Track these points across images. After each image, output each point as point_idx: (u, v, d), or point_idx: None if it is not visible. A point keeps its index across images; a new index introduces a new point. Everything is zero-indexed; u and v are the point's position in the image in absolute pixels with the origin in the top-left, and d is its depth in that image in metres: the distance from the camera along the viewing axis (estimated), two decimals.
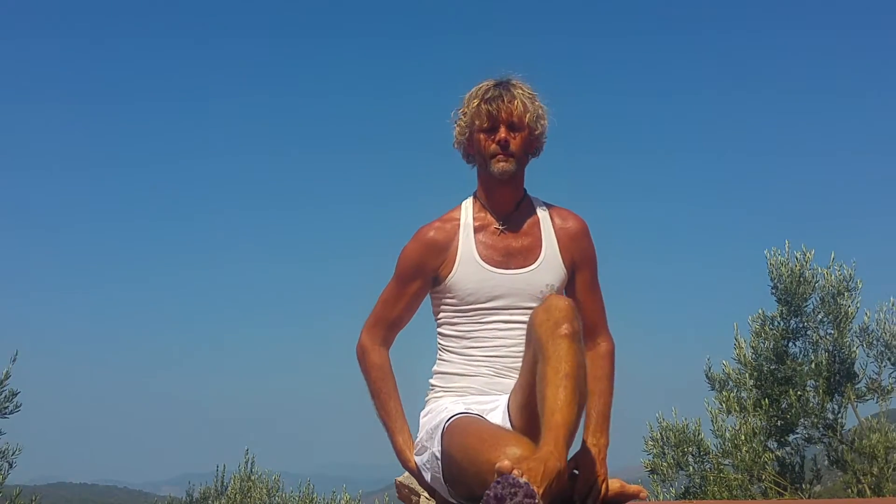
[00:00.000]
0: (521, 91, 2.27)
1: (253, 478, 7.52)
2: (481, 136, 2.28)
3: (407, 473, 2.57)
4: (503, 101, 2.23)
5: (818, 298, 6.35)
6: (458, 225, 2.34)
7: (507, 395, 2.22)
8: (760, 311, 6.57)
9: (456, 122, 2.34)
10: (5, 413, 6.39)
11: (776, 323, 6.46)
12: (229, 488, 7.66)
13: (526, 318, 2.21)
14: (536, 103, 2.28)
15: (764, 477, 6.05)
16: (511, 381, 2.24)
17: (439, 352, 2.38)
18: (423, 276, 2.32)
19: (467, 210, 2.37)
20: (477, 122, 2.26)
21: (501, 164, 2.26)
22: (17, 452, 6.42)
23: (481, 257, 2.29)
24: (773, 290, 6.51)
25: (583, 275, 2.35)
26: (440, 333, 2.37)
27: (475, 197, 2.39)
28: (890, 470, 5.75)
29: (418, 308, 2.38)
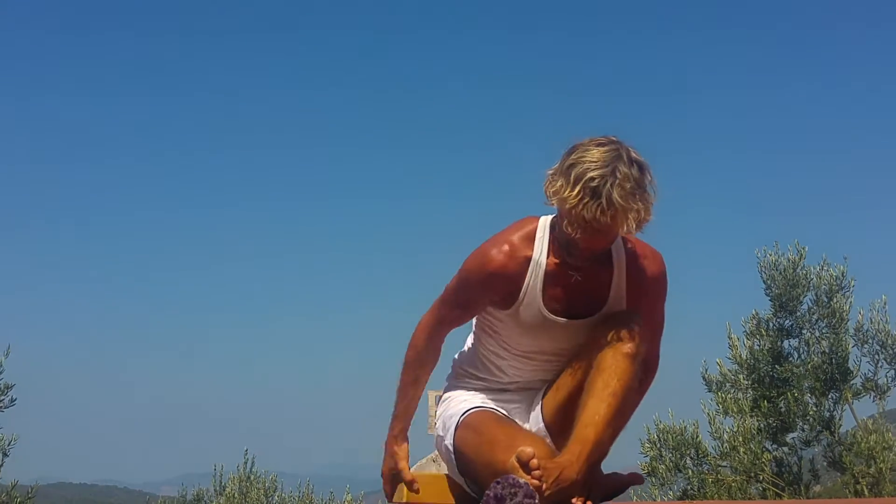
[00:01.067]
0: (624, 198, 1.82)
1: (251, 478, 7.53)
2: (570, 229, 1.91)
3: None
4: (602, 212, 1.82)
5: (812, 298, 6.36)
6: (530, 259, 2.06)
7: (534, 394, 2.19)
8: (754, 312, 6.59)
9: (550, 179, 1.93)
10: (1, 407, 6.40)
11: (771, 324, 6.47)
12: (227, 489, 7.67)
13: (568, 360, 2.12)
14: (639, 205, 1.85)
15: (762, 478, 6.06)
16: (534, 389, 2.20)
17: (473, 346, 2.28)
18: (483, 300, 2.13)
19: (542, 245, 2.07)
20: (567, 224, 1.90)
21: (575, 258, 2.00)
22: (13, 442, 6.43)
23: (545, 305, 2.07)
24: (767, 291, 6.52)
25: (647, 314, 2.12)
26: (481, 335, 2.24)
27: (554, 229, 2.06)
28: (888, 471, 5.77)
29: (476, 314, 2.22)
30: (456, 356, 2.36)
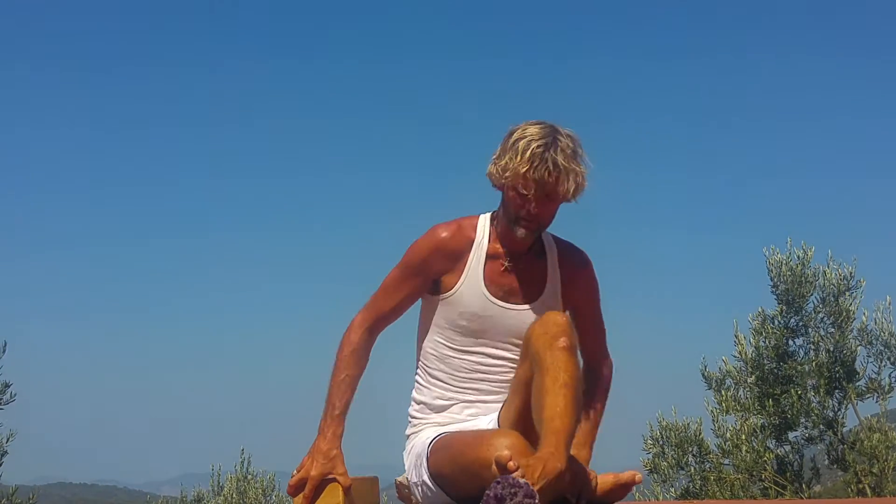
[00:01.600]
0: (567, 161, 2.09)
1: (248, 477, 7.51)
2: (515, 194, 2.14)
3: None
4: (549, 173, 2.07)
5: (819, 297, 6.35)
6: (473, 241, 2.25)
7: (490, 415, 2.21)
8: (760, 310, 6.57)
9: (494, 160, 2.18)
10: (0, 403, 6.41)
11: (776, 322, 6.45)
12: (225, 489, 7.66)
13: (511, 355, 2.23)
14: (579, 168, 2.12)
15: (764, 476, 6.05)
16: (491, 404, 2.24)
17: (418, 373, 2.34)
18: (427, 275, 2.25)
19: (484, 231, 2.28)
20: (519, 188, 2.12)
21: (525, 231, 2.17)
22: (10, 439, 6.43)
23: (486, 286, 2.23)
24: (774, 289, 6.50)
25: (586, 311, 2.34)
26: (422, 350, 2.33)
27: (494, 221, 2.29)
28: (890, 470, 5.75)
29: (413, 304, 2.31)
30: (409, 409, 2.38)
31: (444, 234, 2.25)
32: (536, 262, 2.28)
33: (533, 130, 2.12)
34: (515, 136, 2.13)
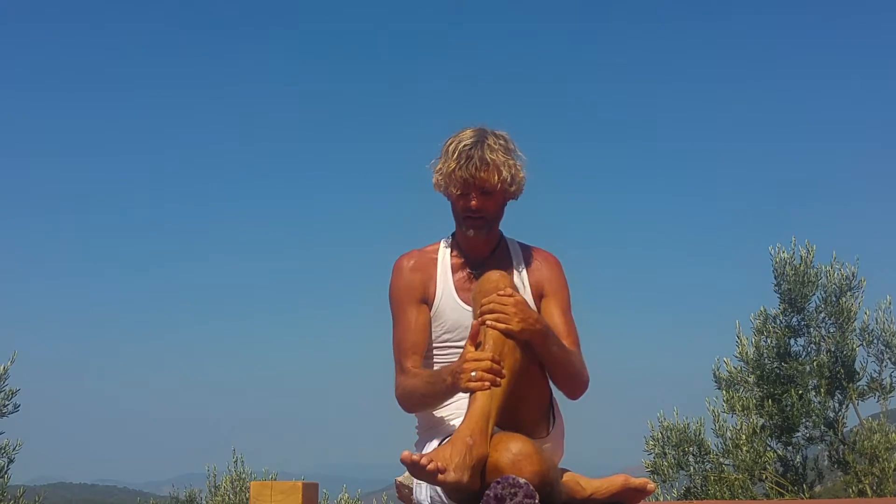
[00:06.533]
0: (495, 154, 2.26)
1: (243, 476, 7.49)
2: (454, 195, 2.32)
3: (407, 473, 2.54)
4: (477, 168, 2.24)
5: (821, 297, 6.34)
6: (436, 259, 2.40)
7: None
8: (762, 309, 6.56)
9: (434, 170, 2.37)
10: (4, 413, 6.42)
11: (778, 321, 6.44)
12: (221, 489, 7.64)
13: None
14: (511, 161, 2.29)
15: (765, 477, 6.04)
16: None
17: None
18: (418, 296, 2.35)
19: (445, 250, 2.43)
20: (452, 188, 2.30)
21: (472, 229, 2.32)
22: (17, 448, 6.45)
23: (458, 296, 2.34)
24: (777, 288, 6.49)
25: (552, 303, 2.36)
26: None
27: (452, 238, 2.45)
28: (891, 470, 5.74)
29: (430, 330, 2.36)
30: (416, 428, 2.44)
31: (410, 261, 2.40)
32: (502, 267, 2.33)
33: (463, 134, 2.32)
34: (449, 141, 2.33)
